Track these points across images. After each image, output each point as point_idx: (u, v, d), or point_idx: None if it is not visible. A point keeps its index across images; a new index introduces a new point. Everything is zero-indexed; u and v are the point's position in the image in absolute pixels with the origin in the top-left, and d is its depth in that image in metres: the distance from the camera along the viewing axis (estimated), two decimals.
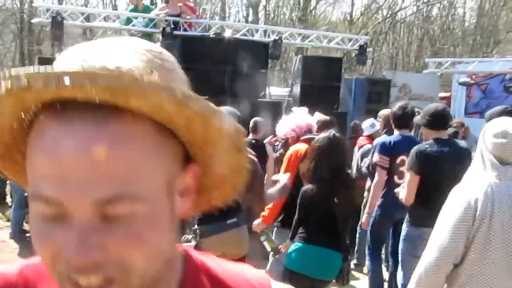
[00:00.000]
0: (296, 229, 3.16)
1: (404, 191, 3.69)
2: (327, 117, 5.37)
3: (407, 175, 3.70)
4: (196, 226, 3.37)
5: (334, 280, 3.24)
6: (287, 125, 4.01)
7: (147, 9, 8.27)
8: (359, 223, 5.40)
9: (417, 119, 4.00)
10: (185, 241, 3.39)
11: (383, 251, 4.81)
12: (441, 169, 3.54)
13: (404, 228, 3.82)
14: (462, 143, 4.01)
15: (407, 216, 3.79)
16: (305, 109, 4.23)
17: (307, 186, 3.10)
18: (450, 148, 3.65)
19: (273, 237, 3.83)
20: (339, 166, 3.08)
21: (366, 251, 4.64)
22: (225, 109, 3.40)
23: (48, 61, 7.30)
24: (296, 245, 3.10)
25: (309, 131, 3.88)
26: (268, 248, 4.00)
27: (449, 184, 3.46)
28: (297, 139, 3.88)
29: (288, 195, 3.60)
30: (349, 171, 3.24)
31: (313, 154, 3.10)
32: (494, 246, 2.06)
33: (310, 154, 3.13)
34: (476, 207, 2.07)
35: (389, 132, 5.03)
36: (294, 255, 3.10)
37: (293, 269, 3.08)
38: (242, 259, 3.39)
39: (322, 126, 5.26)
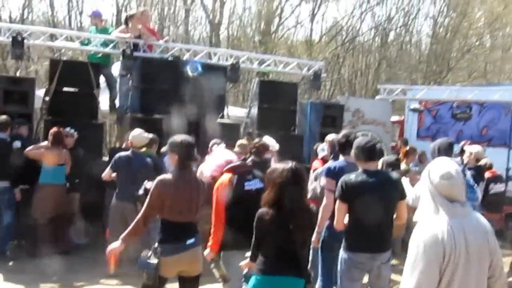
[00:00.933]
0: (254, 251, 3.29)
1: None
2: (265, 142, 5.70)
3: (337, 203, 3.95)
4: (156, 245, 3.55)
5: None
6: (209, 167, 4.39)
7: (105, 30, 8.45)
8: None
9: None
10: (145, 257, 3.58)
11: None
12: (366, 198, 3.79)
13: (341, 252, 4.06)
14: (392, 174, 4.23)
15: (343, 241, 4.02)
16: (222, 146, 4.60)
17: (263, 209, 3.18)
18: (375, 178, 3.87)
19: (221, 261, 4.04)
20: (298, 195, 3.20)
21: (319, 271, 4.79)
22: (182, 137, 3.70)
23: (8, 79, 7.34)
24: (256, 278, 3.17)
25: (228, 164, 4.23)
26: (217, 275, 4.16)
27: (377, 212, 3.83)
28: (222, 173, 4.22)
29: (226, 220, 3.95)
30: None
31: (274, 186, 3.16)
32: (458, 277, 2.33)
33: (271, 185, 3.19)
34: (444, 245, 2.30)
35: (336, 157, 5.38)
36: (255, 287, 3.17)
37: None
38: (197, 277, 3.69)
39: (259, 149, 5.66)
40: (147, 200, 3.58)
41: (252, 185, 4.11)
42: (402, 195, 3.94)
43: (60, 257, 6.03)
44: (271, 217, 3.12)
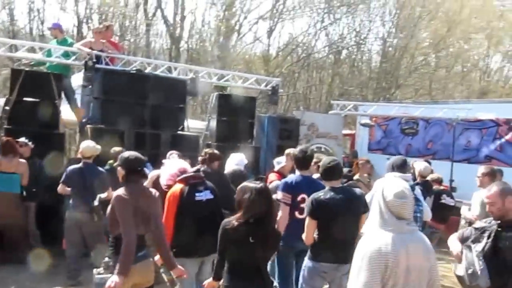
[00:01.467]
0: (217, 269, 3.39)
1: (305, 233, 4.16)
2: (217, 152, 5.91)
3: (307, 220, 4.14)
4: (107, 259, 3.58)
5: None
6: (164, 176, 4.42)
7: (64, 41, 8.42)
8: None
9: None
10: (97, 273, 3.62)
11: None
12: (334, 213, 4.05)
13: (306, 260, 4.27)
14: (357, 190, 4.42)
15: (308, 250, 4.24)
16: (175, 156, 4.69)
17: (228, 220, 3.32)
18: (342, 195, 4.15)
19: None
20: (263, 213, 3.29)
21: (276, 280, 4.80)
22: (130, 153, 3.77)
23: None
24: None
25: (183, 173, 4.31)
26: (165, 279, 4.36)
27: (343, 226, 4.07)
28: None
29: (177, 229, 4.05)
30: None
31: (243, 202, 3.30)
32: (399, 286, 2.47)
33: (239, 202, 3.33)
34: (387, 258, 2.45)
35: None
36: None
37: None
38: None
39: (210, 159, 5.78)
40: (122, 222, 3.45)
41: (203, 196, 4.21)
42: (366, 209, 4.15)
43: (19, 266, 5.99)
44: (235, 229, 3.22)
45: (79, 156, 6.87)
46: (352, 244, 4.08)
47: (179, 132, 8.18)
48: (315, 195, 4.14)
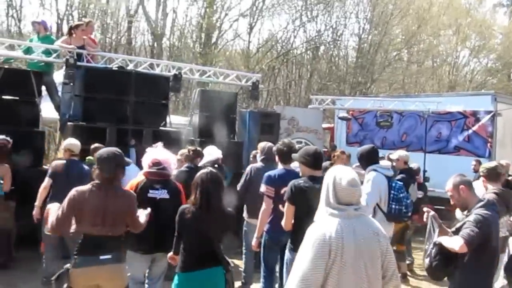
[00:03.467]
0: (176, 245, 3.43)
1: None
2: (199, 149, 5.84)
3: (286, 205, 4.01)
4: (75, 255, 3.36)
5: None
6: (143, 164, 4.21)
7: (46, 38, 8.01)
8: (244, 243, 5.65)
9: (294, 156, 4.26)
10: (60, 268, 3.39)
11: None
12: (312, 202, 3.71)
13: (286, 253, 4.10)
14: None
15: (289, 242, 4.07)
16: (159, 145, 4.42)
17: (184, 206, 3.46)
18: (320, 184, 3.97)
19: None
20: (211, 194, 3.40)
21: (261, 273, 4.80)
22: (106, 151, 3.50)
23: None
24: (178, 276, 3.32)
25: (155, 164, 4.10)
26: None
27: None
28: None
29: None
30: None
31: (194, 186, 3.45)
32: (347, 274, 2.37)
33: (192, 186, 3.47)
34: (330, 243, 2.36)
35: (266, 161, 5.41)
36: (181, 284, 3.30)
37: None
38: None
39: (194, 156, 5.65)
40: (59, 208, 3.36)
41: (158, 194, 4.02)
42: None
43: None
44: (190, 214, 3.34)
45: (62, 155, 6.58)
46: None
47: (161, 128, 7.88)
48: (295, 181, 4.00)
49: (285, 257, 4.11)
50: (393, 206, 4.96)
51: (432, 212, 3.56)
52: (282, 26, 21.32)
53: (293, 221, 3.99)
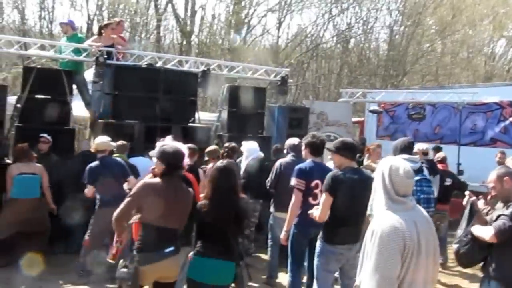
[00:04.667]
0: (196, 240, 3.46)
1: (318, 210, 3.97)
2: (235, 145, 5.94)
3: (322, 196, 3.98)
4: (135, 253, 3.36)
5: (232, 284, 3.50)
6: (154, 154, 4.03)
7: (74, 37, 8.10)
8: (269, 237, 5.58)
9: (331, 147, 4.22)
10: (122, 266, 3.39)
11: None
12: (351, 193, 3.86)
13: (318, 244, 4.04)
14: (367, 172, 4.29)
15: (320, 233, 4.03)
16: (169, 138, 4.16)
17: (200, 202, 3.44)
18: (358, 175, 3.98)
19: None
20: (227, 189, 3.40)
21: (288, 267, 4.76)
22: (171, 146, 3.53)
23: None
24: (194, 258, 3.40)
25: None
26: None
27: (357, 206, 3.86)
28: None
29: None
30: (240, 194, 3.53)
31: (209, 180, 3.47)
32: (418, 267, 2.35)
33: (207, 181, 3.49)
34: (404, 237, 2.31)
35: (296, 156, 5.31)
36: (193, 266, 3.39)
37: (191, 277, 3.38)
38: (173, 283, 3.52)
39: (231, 152, 5.68)
40: (125, 200, 3.38)
41: None
42: None
43: (30, 267, 5.63)
44: (206, 208, 3.35)
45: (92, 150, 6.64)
46: (361, 224, 3.97)
47: (190, 124, 7.86)
48: (334, 172, 4.02)
49: (317, 248, 4.06)
50: None
51: (473, 197, 3.48)
52: (312, 20, 21.02)
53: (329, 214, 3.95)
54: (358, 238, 3.91)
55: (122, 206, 3.36)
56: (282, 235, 4.64)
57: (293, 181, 4.48)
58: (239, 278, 3.44)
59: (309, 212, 4.10)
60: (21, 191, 5.76)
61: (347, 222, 3.90)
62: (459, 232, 3.38)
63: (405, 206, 2.41)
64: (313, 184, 4.45)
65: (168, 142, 3.95)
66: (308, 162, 4.59)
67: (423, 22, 20.73)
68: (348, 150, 4.07)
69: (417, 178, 4.88)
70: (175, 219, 3.38)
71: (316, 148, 4.58)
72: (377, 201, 2.48)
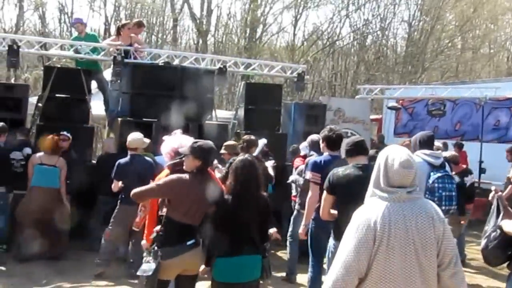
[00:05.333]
0: (215, 241, 3.34)
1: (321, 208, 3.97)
2: (253, 137, 5.86)
3: (324, 194, 3.95)
4: (156, 248, 3.39)
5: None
6: (163, 149, 4.01)
7: (89, 37, 8.25)
8: (289, 234, 5.62)
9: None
10: (146, 262, 3.44)
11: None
12: (353, 190, 3.66)
13: (330, 240, 4.03)
14: None
15: (331, 231, 4.00)
16: (178, 132, 4.15)
17: (222, 197, 3.39)
18: (363, 172, 3.81)
19: None
20: (249, 182, 3.36)
21: (309, 263, 4.75)
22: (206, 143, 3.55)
23: (2, 86, 7.19)
24: (217, 260, 3.33)
25: (176, 154, 3.89)
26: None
27: (360, 202, 3.80)
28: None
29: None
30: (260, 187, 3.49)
31: (230, 173, 3.44)
32: (394, 261, 2.20)
33: (229, 173, 3.46)
34: (375, 228, 2.20)
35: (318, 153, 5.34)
36: (219, 268, 3.33)
37: (219, 280, 3.33)
38: (195, 276, 3.56)
39: (248, 146, 5.65)
40: (151, 185, 3.47)
41: None
42: None
43: (46, 260, 5.91)
44: (228, 202, 3.32)
45: (109, 151, 6.81)
46: None
47: (207, 122, 7.96)
48: (334, 170, 3.93)
49: (329, 246, 4.05)
50: (426, 196, 4.72)
51: (499, 192, 3.41)
52: (328, 16, 20.95)
53: (335, 210, 3.92)
54: None
55: (145, 188, 3.44)
56: (301, 229, 4.66)
57: (308, 175, 4.50)
58: (266, 270, 3.44)
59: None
60: (39, 180, 6.02)
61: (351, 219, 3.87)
62: (487, 228, 3.26)
63: (395, 196, 2.26)
64: None
65: (177, 136, 3.98)
66: (324, 155, 4.59)
67: (443, 17, 20.47)
68: (352, 147, 4.03)
69: (439, 174, 4.72)
70: (199, 216, 3.41)
71: (333, 142, 4.55)
72: (368, 190, 2.41)
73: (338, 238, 3.84)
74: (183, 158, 3.78)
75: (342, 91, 18.73)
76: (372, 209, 2.28)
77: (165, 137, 4.08)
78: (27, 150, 6.28)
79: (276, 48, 18.55)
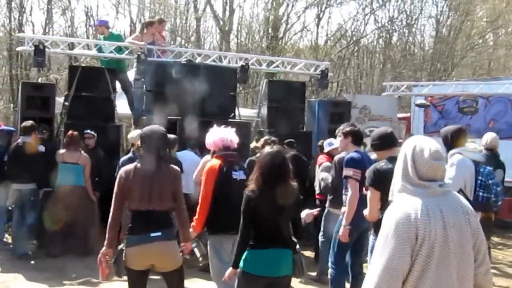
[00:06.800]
0: (243, 237, 3.33)
1: (367, 209, 3.85)
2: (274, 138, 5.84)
3: (368, 192, 3.82)
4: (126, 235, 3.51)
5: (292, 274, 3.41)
6: (207, 140, 4.30)
7: (114, 36, 8.48)
8: (320, 233, 5.63)
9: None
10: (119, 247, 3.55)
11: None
12: None
13: (371, 239, 3.98)
14: None
15: (372, 227, 3.94)
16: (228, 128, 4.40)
17: (250, 189, 3.34)
18: None
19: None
20: (278, 175, 3.32)
21: (331, 260, 4.72)
22: (149, 128, 3.66)
23: (31, 85, 7.50)
24: (247, 253, 3.31)
25: (225, 149, 4.19)
26: (198, 254, 4.34)
27: None
28: (213, 153, 4.28)
29: (214, 205, 4.00)
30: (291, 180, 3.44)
31: (258, 165, 3.39)
32: (434, 259, 2.09)
33: (256, 165, 3.42)
34: (417, 225, 2.08)
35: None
36: (248, 260, 3.30)
37: (248, 271, 3.28)
38: (175, 272, 3.57)
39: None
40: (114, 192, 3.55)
41: (238, 175, 4.14)
42: None
43: (79, 256, 6.13)
44: (257, 195, 3.27)
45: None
46: None
47: (230, 119, 8.08)
48: (376, 164, 3.86)
49: (369, 243, 4.01)
50: (481, 194, 4.60)
51: None
52: (352, 14, 20.85)
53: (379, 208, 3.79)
54: None
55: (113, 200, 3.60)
56: (341, 231, 4.51)
57: (349, 172, 4.38)
58: (298, 265, 3.38)
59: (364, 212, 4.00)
60: (64, 178, 6.28)
61: None
62: None
63: (429, 191, 2.16)
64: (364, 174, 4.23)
65: (225, 130, 4.26)
66: (355, 152, 4.53)
67: (473, 13, 20.13)
68: (382, 140, 3.96)
69: (489, 169, 4.72)
70: (158, 199, 3.46)
71: (360, 137, 4.57)
72: (395, 186, 2.28)
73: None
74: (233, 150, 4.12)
75: (368, 90, 18.59)
76: (409, 205, 2.15)
77: (211, 129, 4.31)
78: (41, 148, 6.47)
79: (299, 47, 18.56)
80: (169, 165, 3.68)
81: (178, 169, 3.80)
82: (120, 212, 3.56)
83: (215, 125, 4.37)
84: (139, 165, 3.51)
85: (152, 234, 3.40)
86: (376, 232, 3.77)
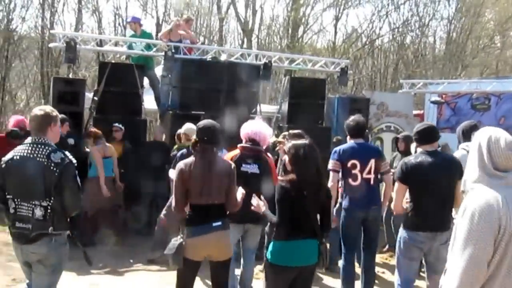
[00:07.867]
0: (278, 225, 3.14)
1: (394, 201, 3.75)
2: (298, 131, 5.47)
3: (396, 185, 3.74)
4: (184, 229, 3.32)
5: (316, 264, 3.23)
6: (242, 129, 4.17)
7: (144, 35, 8.20)
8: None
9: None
10: (174, 241, 3.34)
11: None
12: (425, 177, 3.57)
13: (400, 230, 3.80)
14: (449, 154, 3.96)
15: (403, 220, 3.78)
16: (259, 118, 4.34)
17: (281, 184, 3.14)
18: (434, 158, 3.62)
19: None
20: (308, 168, 3.11)
21: (342, 252, 4.52)
22: (203, 122, 3.47)
23: (62, 81, 7.23)
24: (274, 243, 3.12)
25: (251, 141, 4.04)
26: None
27: (437, 191, 3.54)
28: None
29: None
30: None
31: (289, 159, 3.18)
32: (509, 251, 1.94)
33: (288, 157, 3.20)
34: (499, 215, 1.92)
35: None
36: (276, 252, 3.11)
37: (275, 262, 3.09)
38: (226, 262, 3.38)
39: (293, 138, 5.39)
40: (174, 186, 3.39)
41: (249, 168, 3.97)
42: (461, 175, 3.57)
43: (106, 246, 5.87)
44: (288, 186, 3.09)
45: (157, 138, 6.74)
46: (449, 212, 3.62)
47: (252, 115, 7.73)
48: (405, 159, 3.75)
49: (399, 236, 3.78)
50: None
51: None
52: (367, 16, 20.31)
53: (409, 200, 3.68)
54: (444, 226, 3.56)
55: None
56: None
57: (330, 164, 4.33)
58: (323, 255, 3.20)
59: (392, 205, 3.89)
60: (96, 171, 6.06)
61: (429, 209, 3.57)
62: None
63: (505, 181, 1.98)
64: (349, 164, 4.25)
65: (255, 123, 4.15)
66: (348, 144, 4.45)
67: (483, 16, 19.38)
68: (418, 135, 3.78)
69: None
70: (217, 193, 3.31)
71: (355, 130, 4.42)
72: (470, 176, 2.08)
73: (411, 228, 3.65)
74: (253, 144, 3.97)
75: (383, 88, 18.12)
76: (490, 194, 1.96)
77: (246, 123, 4.19)
78: (70, 141, 6.20)
79: (317, 47, 18.14)
80: (223, 159, 3.53)
81: (232, 163, 3.58)
82: (184, 205, 3.34)
83: (256, 117, 4.28)
84: (198, 159, 3.32)
85: (214, 224, 3.27)
86: (407, 224, 3.67)
